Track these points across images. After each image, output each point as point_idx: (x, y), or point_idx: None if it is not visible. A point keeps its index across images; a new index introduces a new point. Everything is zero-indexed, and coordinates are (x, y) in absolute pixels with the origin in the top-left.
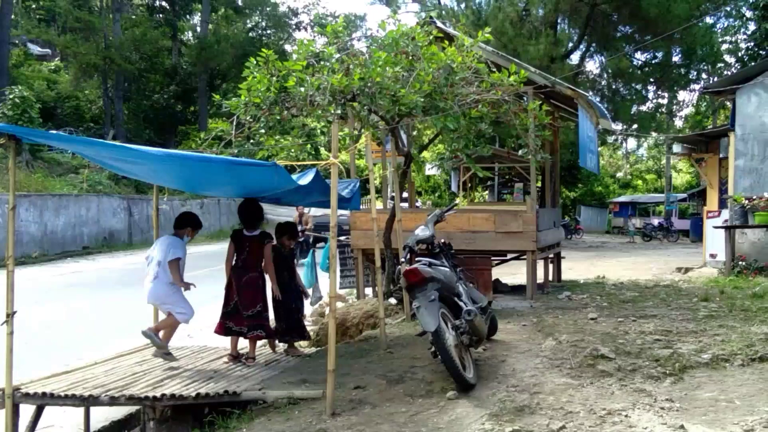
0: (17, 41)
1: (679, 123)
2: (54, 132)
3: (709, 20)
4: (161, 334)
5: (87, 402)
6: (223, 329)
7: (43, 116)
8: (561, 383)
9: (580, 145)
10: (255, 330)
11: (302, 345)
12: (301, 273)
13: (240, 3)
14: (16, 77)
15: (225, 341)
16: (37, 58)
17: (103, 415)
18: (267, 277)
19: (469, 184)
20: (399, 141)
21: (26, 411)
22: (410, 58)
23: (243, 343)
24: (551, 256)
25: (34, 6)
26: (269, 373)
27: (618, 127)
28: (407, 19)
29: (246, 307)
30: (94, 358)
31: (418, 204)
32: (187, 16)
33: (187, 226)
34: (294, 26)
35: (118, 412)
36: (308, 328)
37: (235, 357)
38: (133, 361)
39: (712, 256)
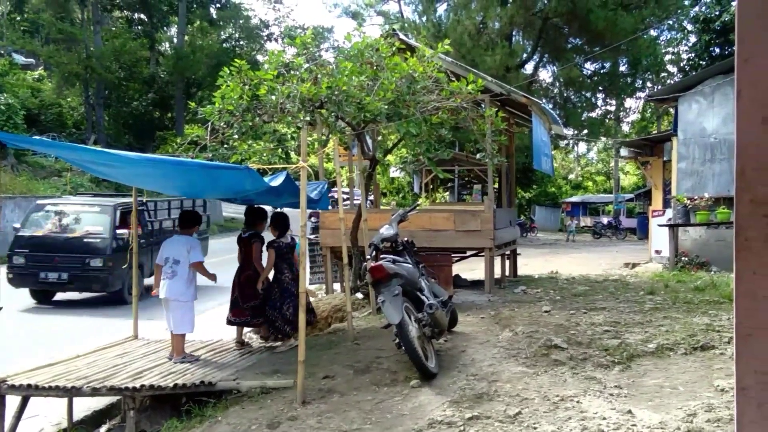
0: (3, 51)
1: (626, 128)
2: (38, 138)
3: (653, 33)
4: (176, 350)
5: (70, 393)
6: (227, 321)
7: (27, 122)
8: (517, 372)
9: (534, 149)
10: (257, 317)
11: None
12: None
13: (214, 16)
14: (2, 85)
15: (200, 334)
16: (21, 68)
17: (85, 405)
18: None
19: (431, 186)
20: (364, 145)
21: (12, 402)
22: (375, 68)
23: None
24: (507, 252)
25: (18, 18)
26: (243, 364)
27: (569, 132)
28: (372, 32)
29: (247, 299)
30: (76, 351)
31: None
32: (164, 28)
33: (192, 224)
34: (265, 38)
35: (100, 402)
36: None
37: (242, 343)
38: (114, 354)
39: (657, 252)
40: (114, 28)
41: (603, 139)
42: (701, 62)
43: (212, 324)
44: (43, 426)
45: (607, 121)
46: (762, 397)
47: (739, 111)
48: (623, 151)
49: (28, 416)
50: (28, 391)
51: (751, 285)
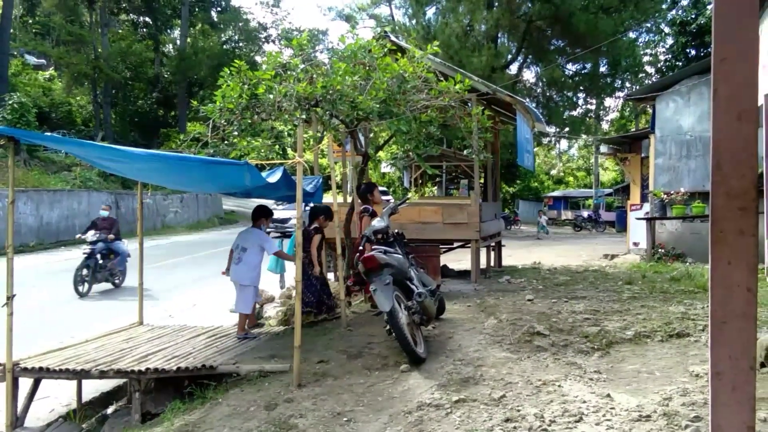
0: (16, 53)
1: (605, 126)
2: (49, 134)
3: (632, 35)
4: (238, 327)
5: (79, 375)
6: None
7: (39, 120)
8: (501, 357)
9: (518, 146)
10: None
11: (271, 324)
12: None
13: (215, 19)
14: (15, 85)
15: (202, 320)
16: (33, 68)
17: (93, 387)
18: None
19: (420, 181)
20: (357, 142)
21: (24, 384)
22: (367, 68)
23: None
24: (493, 244)
25: (30, 21)
26: (242, 349)
27: (552, 129)
28: (364, 34)
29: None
30: (85, 336)
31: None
32: (168, 31)
33: (261, 217)
34: (263, 40)
35: (107, 385)
36: (277, 310)
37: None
38: (121, 339)
39: (635, 244)
40: (120, 31)
41: (584, 136)
42: (678, 63)
43: (213, 310)
44: (54, 407)
45: (587, 119)
46: (736, 381)
47: (716, 108)
48: (603, 148)
49: (39, 397)
50: (39, 374)
51: (726, 274)
